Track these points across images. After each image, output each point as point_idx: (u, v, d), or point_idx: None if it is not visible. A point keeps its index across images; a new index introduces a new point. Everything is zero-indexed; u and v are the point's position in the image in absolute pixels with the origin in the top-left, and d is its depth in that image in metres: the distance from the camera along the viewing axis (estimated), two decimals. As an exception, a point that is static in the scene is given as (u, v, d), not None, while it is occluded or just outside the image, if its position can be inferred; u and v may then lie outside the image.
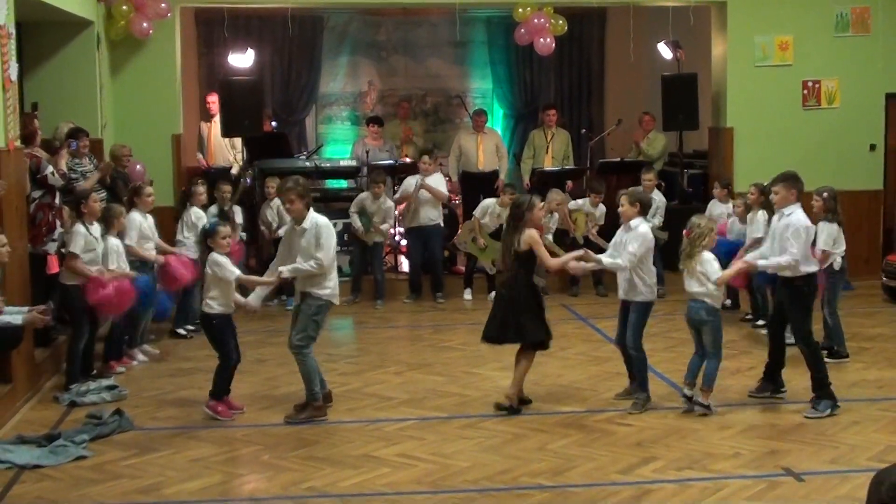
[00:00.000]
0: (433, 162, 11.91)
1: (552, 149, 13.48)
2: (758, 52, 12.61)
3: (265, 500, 5.95)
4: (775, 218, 7.58)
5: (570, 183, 13.31)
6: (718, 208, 11.06)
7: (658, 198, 11.78)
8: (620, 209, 7.55)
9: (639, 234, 7.44)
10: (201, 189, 10.34)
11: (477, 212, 11.72)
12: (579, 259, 7.56)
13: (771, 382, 7.73)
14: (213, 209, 10.65)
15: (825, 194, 8.71)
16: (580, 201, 11.91)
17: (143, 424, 7.32)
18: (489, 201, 11.71)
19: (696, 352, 7.39)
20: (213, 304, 7.40)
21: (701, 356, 7.34)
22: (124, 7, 11.44)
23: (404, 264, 12.76)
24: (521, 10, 12.52)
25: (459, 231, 12.01)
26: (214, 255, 7.40)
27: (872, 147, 12.82)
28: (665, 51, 13.91)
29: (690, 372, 7.38)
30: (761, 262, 7.49)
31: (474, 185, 13.15)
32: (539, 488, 6.00)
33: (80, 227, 8.22)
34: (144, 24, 11.59)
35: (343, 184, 14.06)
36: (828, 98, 12.73)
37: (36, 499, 5.97)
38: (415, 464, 6.45)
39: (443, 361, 9.18)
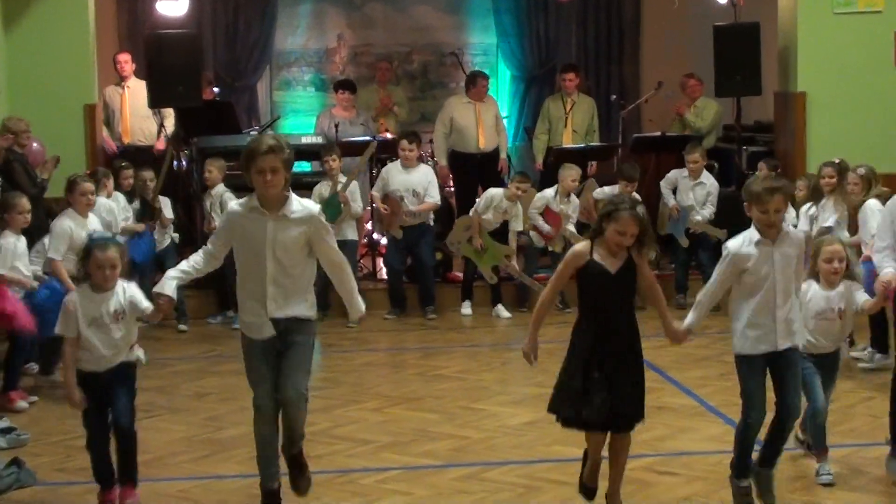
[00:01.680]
0: (418, 148, 11.88)
1: (572, 121, 13.52)
2: (838, -6, 12.66)
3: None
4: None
5: (593, 164, 13.32)
6: None
7: (709, 182, 11.81)
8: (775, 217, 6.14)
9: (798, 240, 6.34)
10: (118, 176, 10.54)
11: (479, 205, 11.73)
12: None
13: None
14: (122, 200, 10.76)
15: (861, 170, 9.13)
16: (607, 189, 11.92)
17: (48, 478, 7.28)
18: (495, 192, 11.73)
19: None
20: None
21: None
22: (21, -59, 11.46)
23: (384, 270, 12.76)
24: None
25: (453, 228, 12.02)
26: None
27: None
28: (718, -6, 13.96)
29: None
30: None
31: (471, 170, 13.13)
32: (559, 556, 6.00)
33: None
34: (48, -36, 11.59)
35: (305, 167, 14.04)
36: (927, 53, 12.77)
37: None
38: (399, 526, 6.45)
39: (435, 394, 9.17)
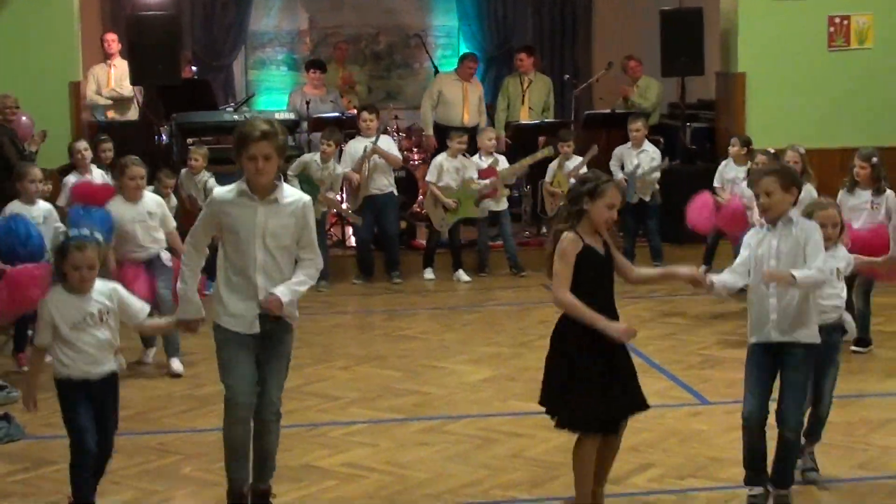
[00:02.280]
0: (375, 119, 11.87)
1: (529, 98, 13.54)
2: (776, -19, 12.69)
3: (185, 521, 5.95)
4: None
5: (542, 139, 13.36)
6: (733, 171, 10.87)
7: (651, 149, 11.90)
8: (763, 200, 5.72)
9: (809, 230, 5.71)
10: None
11: (430, 176, 11.78)
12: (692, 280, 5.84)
13: None
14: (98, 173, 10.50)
15: (874, 159, 8.66)
16: (551, 164, 12.16)
17: (36, 432, 7.27)
18: (438, 159, 11.86)
19: None
20: (55, 363, 5.83)
21: None
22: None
23: (353, 238, 12.75)
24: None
25: (425, 212, 12.04)
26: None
27: (912, 95, 12.92)
28: (664, -20, 13.97)
29: None
30: None
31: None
32: (514, 503, 6.02)
33: None
34: (33, -54, 11.49)
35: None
36: (859, 37, 12.82)
37: None
38: (366, 475, 6.46)
39: (399, 353, 9.19)
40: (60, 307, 5.61)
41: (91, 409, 5.71)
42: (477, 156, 12.14)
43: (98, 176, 9.75)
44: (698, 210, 10.59)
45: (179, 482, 6.48)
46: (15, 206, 8.56)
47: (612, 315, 5.47)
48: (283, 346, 5.68)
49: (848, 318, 6.34)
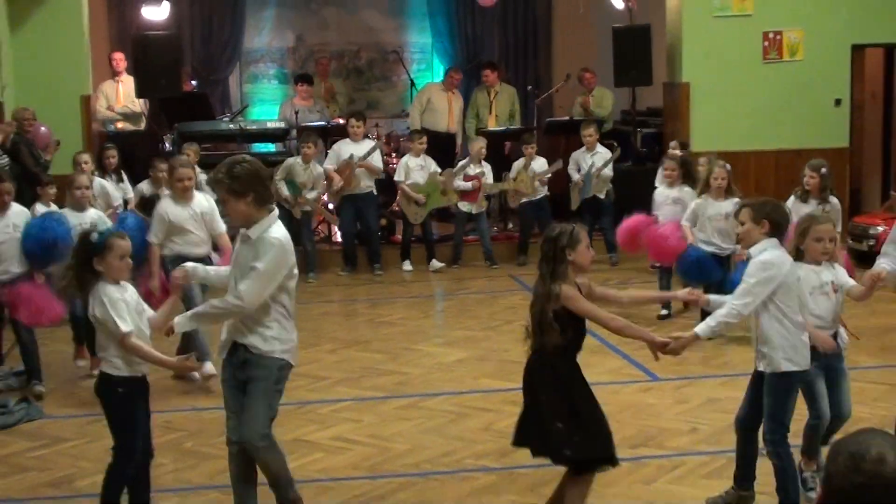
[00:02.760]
0: (362, 125, 11.83)
1: (496, 108, 13.54)
2: (715, 1, 12.70)
3: (188, 491, 5.92)
4: None
5: (508, 144, 13.37)
6: (664, 193, 9.98)
7: (603, 151, 11.91)
8: (739, 229, 5.46)
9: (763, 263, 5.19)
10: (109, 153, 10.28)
11: (398, 176, 11.81)
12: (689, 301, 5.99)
13: None
14: (144, 186, 10.23)
15: (823, 170, 8.50)
16: (516, 163, 12.08)
17: (53, 412, 7.25)
18: (403, 160, 11.96)
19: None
20: (115, 361, 5.14)
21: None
22: (24, -46, 11.28)
23: (338, 234, 12.72)
24: (461, -44, 12.53)
25: (402, 210, 12.02)
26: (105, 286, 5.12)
27: (837, 102, 12.97)
28: (616, 1, 13.95)
29: None
30: None
31: (435, 145, 12.88)
32: (484, 471, 6.05)
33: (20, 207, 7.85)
34: (47, -27, 11.42)
35: (271, 147, 13.97)
36: (790, 50, 12.85)
37: (-67, 496, 5.91)
38: (351, 447, 6.46)
39: (381, 338, 9.19)
40: (127, 300, 5.12)
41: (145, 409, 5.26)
42: (466, 160, 12.11)
43: (98, 186, 9.37)
44: (624, 232, 10.01)
45: (182, 456, 6.46)
46: (66, 213, 8.01)
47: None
48: (254, 372, 5.09)
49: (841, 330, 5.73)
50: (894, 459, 2.30)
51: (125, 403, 5.12)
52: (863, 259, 11.50)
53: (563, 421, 4.88)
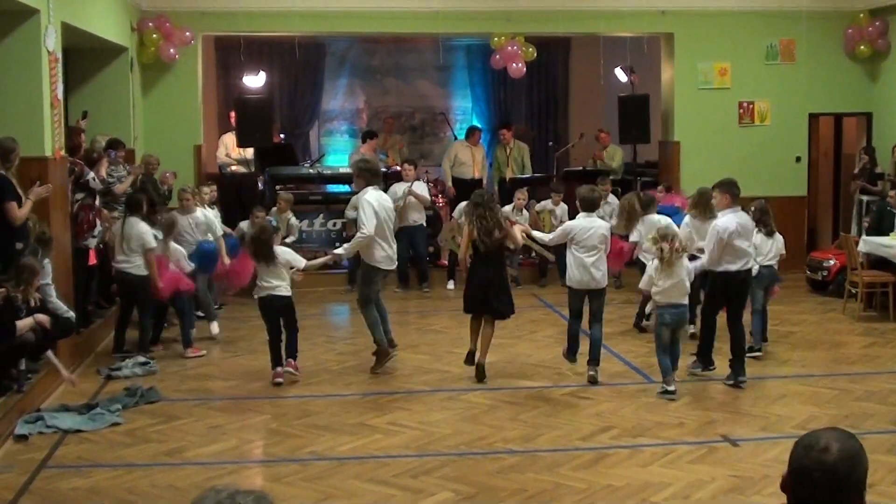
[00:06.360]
0: (413, 169, 11.87)
1: (512, 160, 13.53)
2: (700, 76, 12.66)
3: (273, 462, 5.94)
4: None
5: (525, 190, 13.19)
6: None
7: (612, 200, 11.83)
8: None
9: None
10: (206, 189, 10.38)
11: (455, 213, 11.75)
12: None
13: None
14: (244, 225, 10.52)
15: (753, 208, 8.30)
16: (544, 202, 11.99)
17: (169, 396, 7.30)
18: (461, 205, 11.77)
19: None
20: (288, 287, 7.61)
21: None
22: (154, 35, 11.53)
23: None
24: (496, 38, 12.55)
25: (442, 231, 12.03)
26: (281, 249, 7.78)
27: (798, 159, 12.89)
28: (621, 75, 13.95)
29: None
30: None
31: (465, 190, 12.92)
32: (510, 453, 6.01)
33: (147, 227, 8.32)
34: (171, 50, 11.62)
35: (343, 188, 14.02)
36: (760, 116, 12.79)
37: (77, 458, 5.97)
38: (403, 431, 6.44)
39: (428, 342, 9.17)
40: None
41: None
42: (510, 207, 11.73)
43: (200, 214, 9.53)
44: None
45: (268, 434, 6.46)
46: (175, 214, 9.10)
47: None
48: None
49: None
50: (837, 450, 2.34)
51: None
52: (817, 287, 11.41)
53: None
